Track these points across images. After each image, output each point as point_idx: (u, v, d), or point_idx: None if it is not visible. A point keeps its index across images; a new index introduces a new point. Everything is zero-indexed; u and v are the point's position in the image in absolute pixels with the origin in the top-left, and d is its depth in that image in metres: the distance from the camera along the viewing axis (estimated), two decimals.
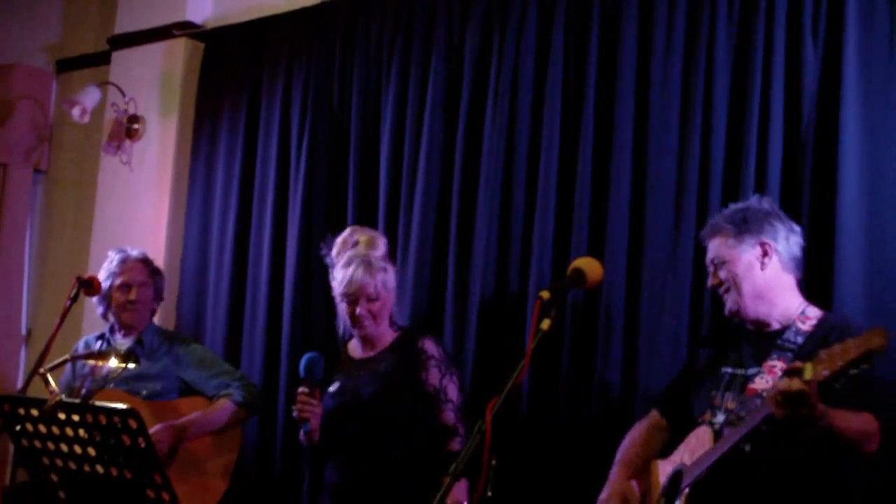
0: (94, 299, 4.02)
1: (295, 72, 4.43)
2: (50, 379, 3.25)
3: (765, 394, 2.58)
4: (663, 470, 2.81)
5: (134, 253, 4.09)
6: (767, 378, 2.69)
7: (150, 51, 4.99)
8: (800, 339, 2.74)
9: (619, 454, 2.99)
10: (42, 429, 2.96)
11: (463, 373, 3.59)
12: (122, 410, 2.84)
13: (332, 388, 3.39)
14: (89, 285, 3.80)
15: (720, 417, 2.74)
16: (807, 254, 2.91)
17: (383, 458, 3.28)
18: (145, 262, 4.09)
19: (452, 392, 3.33)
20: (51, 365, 3.35)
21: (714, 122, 3.36)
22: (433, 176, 3.93)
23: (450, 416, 3.30)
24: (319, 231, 4.10)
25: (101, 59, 5.32)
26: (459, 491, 3.09)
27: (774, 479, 2.62)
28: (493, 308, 3.72)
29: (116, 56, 5.14)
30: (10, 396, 3.18)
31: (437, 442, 3.28)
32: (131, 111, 4.97)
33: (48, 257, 5.58)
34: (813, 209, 3.16)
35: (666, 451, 2.88)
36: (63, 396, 2.97)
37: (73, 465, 2.98)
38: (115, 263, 4.03)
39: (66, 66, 5.64)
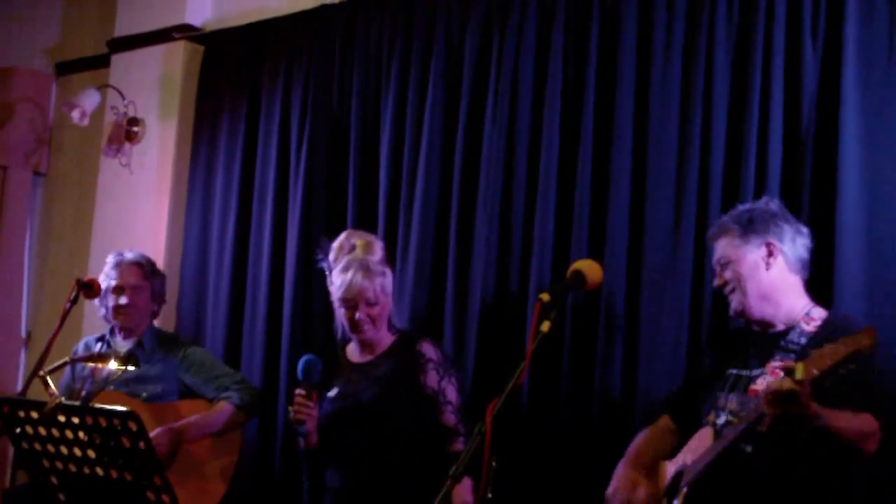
0: (96, 301, 4.02)
1: (294, 73, 4.43)
2: (50, 381, 3.25)
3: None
4: (668, 471, 2.82)
5: (129, 256, 4.07)
6: (770, 379, 2.69)
7: (149, 53, 4.99)
8: (803, 340, 2.73)
9: (628, 451, 2.98)
10: (42, 431, 2.96)
11: (463, 374, 3.58)
12: (121, 413, 2.84)
13: (331, 394, 3.38)
14: (89, 288, 3.80)
15: (723, 418, 2.74)
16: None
17: (384, 461, 3.28)
18: (140, 264, 4.06)
19: (451, 394, 3.32)
20: (50, 367, 3.34)
21: (714, 122, 3.36)
22: (433, 176, 3.93)
23: (450, 417, 3.30)
24: (319, 231, 4.09)
25: (100, 62, 5.31)
26: (465, 491, 3.10)
27: (774, 479, 2.62)
28: (493, 309, 3.71)
29: (116, 59, 5.14)
30: (9, 399, 3.18)
31: (438, 444, 3.28)
32: (131, 114, 4.97)
33: (48, 260, 5.58)
34: (813, 209, 3.16)
35: (675, 454, 2.88)
36: (63, 399, 2.97)
37: (73, 468, 2.97)
38: (109, 266, 4.03)
39: (66, 68, 5.64)
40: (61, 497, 3.05)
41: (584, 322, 3.51)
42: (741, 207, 2.93)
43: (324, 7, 4.40)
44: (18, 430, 2.99)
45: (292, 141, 4.39)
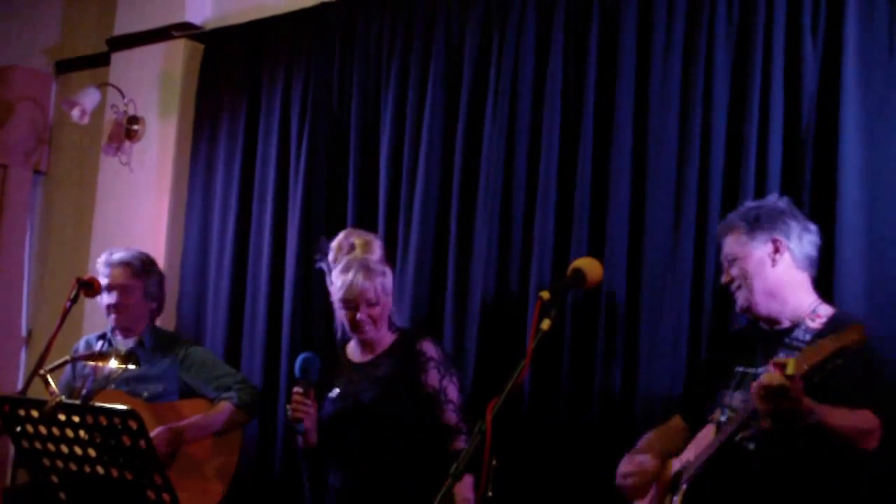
0: (98, 299, 4.02)
1: (294, 72, 4.43)
2: (50, 380, 3.25)
3: None
4: (674, 467, 2.82)
5: (117, 255, 4.02)
6: None
7: (149, 52, 4.99)
8: (808, 337, 2.73)
9: (638, 444, 2.99)
10: (42, 430, 2.96)
11: (463, 373, 3.59)
12: (122, 412, 2.84)
13: (332, 394, 3.38)
14: (89, 286, 3.80)
15: (725, 415, 2.74)
16: None
17: (385, 460, 3.28)
18: (128, 264, 3.99)
19: (452, 392, 3.32)
20: (51, 366, 3.34)
21: (714, 122, 3.36)
22: (433, 176, 3.93)
23: (452, 416, 3.30)
24: (319, 231, 4.08)
25: (100, 61, 5.31)
26: (466, 487, 3.10)
27: (775, 477, 2.62)
28: (494, 308, 3.71)
29: (116, 57, 5.14)
30: (10, 398, 3.17)
31: (439, 443, 3.28)
32: (131, 112, 4.97)
33: (48, 258, 5.58)
34: (813, 209, 3.15)
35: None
36: (63, 398, 2.96)
37: (73, 467, 2.97)
38: (101, 265, 4.02)
39: (66, 67, 5.64)
40: (62, 496, 3.05)
41: (585, 322, 3.51)
42: (749, 204, 2.95)
43: (323, 6, 4.40)
44: (19, 428, 2.99)
45: (292, 140, 4.39)
